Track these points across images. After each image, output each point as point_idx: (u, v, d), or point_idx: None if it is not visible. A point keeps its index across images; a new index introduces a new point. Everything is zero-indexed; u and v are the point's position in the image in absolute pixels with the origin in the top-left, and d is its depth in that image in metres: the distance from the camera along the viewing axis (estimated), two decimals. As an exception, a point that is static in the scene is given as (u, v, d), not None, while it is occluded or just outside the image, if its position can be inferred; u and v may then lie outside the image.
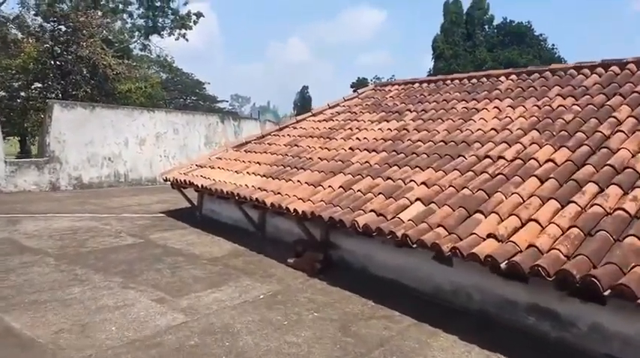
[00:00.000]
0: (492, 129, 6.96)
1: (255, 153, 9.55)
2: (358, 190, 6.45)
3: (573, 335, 4.25)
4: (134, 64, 24.45)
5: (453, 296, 5.27)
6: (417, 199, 5.69)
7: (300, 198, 6.73)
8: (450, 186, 5.76)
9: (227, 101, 67.54)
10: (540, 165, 5.52)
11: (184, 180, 9.15)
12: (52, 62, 20.08)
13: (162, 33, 28.45)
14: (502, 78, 8.95)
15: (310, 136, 9.46)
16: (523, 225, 4.59)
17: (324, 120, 10.32)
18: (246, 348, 4.22)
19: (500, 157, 6.03)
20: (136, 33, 28.52)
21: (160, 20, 28.27)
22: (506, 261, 4.13)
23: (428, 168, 6.43)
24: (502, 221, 4.74)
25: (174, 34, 28.32)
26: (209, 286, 5.79)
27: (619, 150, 5.25)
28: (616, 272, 3.60)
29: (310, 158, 8.23)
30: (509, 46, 43.77)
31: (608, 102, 6.50)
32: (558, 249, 4.03)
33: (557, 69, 8.43)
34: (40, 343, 4.22)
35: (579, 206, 4.54)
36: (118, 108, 16.17)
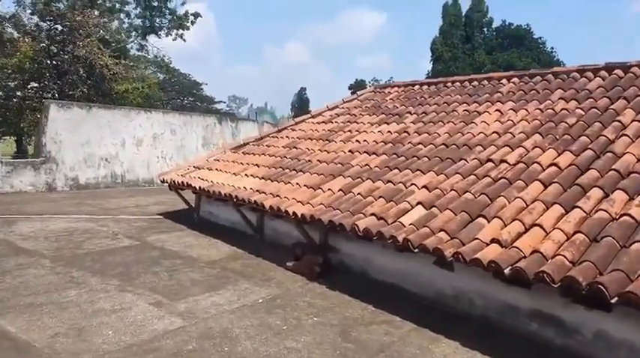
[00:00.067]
0: (494, 132, 6.90)
1: (254, 154, 9.48)
2: (358, 193, 6.38)
3: (578, 342, 4.19)
4: (131, 64, 24.33)
5: (454, 301, 5.21)
6: (419, 203, 5.63)
7: (300, 201, 6.66)
8: (452, 189, 5.70)
9: (224, 102, 67.36)
10: (544, 169, 5.46)
11: (182, 182, 9.07)
12: (49, 62, 19.97)
13: (159, 33, 28.29)
14: (503, 81, 8.88)
15: (309, 138, 9.39)
16: (527, 230, 4.53)
17: (323, 122, 10.25)
18: (245, 354, 4.16)
19: (502, 161, 5.97)
20: (133, 33, 28.36)
21: (158, 20, 28.11)
22: (510, 267, 4.07)
23: (429, 171, 6.36)
24: (505, 226, 4.68)
25: (171, 35, 28.15)
26: (207, 289, 5.73)
27: (624, 154, 5.20)
28: (623, 279, 3.54)
29: (309, 160, 8.17)
30: (508, 49, 43.91)
31: (612, 106, 6.44)
32: (563, 255, 3.96)
33: (559, 72, 8.38)
34: (36, 347, 4.16)
35: (584, 211, 4.48)
36: (114, 108, 16.08)
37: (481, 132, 7.04)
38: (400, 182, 6.32)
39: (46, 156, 13.58)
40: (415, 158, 6.92)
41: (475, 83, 9.36)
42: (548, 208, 4.72)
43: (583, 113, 6.56)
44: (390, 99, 10.39)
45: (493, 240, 4.49)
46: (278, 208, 6.67)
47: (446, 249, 4.58)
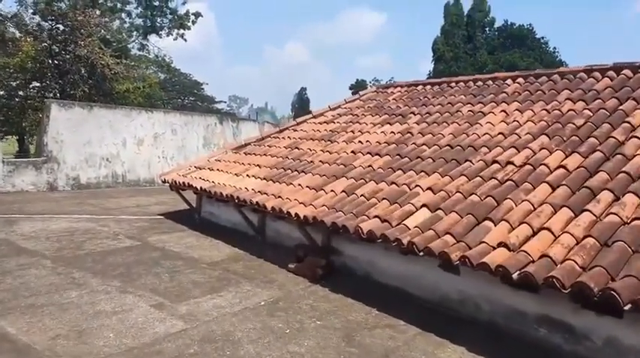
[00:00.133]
0: (500, 133, 6.81)
1: (255, 155, 9.40)
2: (361, 195, 6.30)
3: (587, 348, 4.10)
4: (132, 63, 24.31)
5: (460, 305, 5.12)
6: (423, 205, 5.54)
7: (302, 203, 6.58)
8: (457, 191, 5.60)
9: (225, 102, 67.47)
10: (551, 172, 5.36)
11: (183, 182, 9.00)
12: (50, 61, 19.93)
13: (160, 33, 28.23)
14: (509, 81, 8.78)
15: (311, 139, 9.31)
16: (535, 233, 4.44)
17: (324, 122, 10.16)
18: (247, 358, 4.08)
19: (508, 163, 5.87)
20: (134, 32, 28.30)
21: (159, 20, 28.05)
22: (519, 272, 3.98)
23: (434, 172, 6.27)
24: (513, 229, 4.59)
25: (172, 34, 28.10)
26: (209, 291, 5.66)
27: (634, 156, 5.10)
28: (636, 285, 3.45)
29: (311, 161, 8.09)
30: (510, 49, 43.81)
31: (621, 107, 6.33)
32: (573, 260, 3.87)
33: (566, 72, 8.26)
34: (37, 350, 4.11)
35: (594, 215, 4.39)
36: (115, 108, 16.02)
37: (486, 133, 6.94)
38: (404, 183, 6.23)
39: (47, 155, 13.53)
40: (419, 159, 6.84)
41: (479, 83, 9.26)
42: (556, 211, 4.63)
43: (591, 114, 6.44)
44: (393, 99, 10.30)
45: (500, 244, 4.40)
46: (280, 209, 6.59)
47: (452, 253, 4.49)
